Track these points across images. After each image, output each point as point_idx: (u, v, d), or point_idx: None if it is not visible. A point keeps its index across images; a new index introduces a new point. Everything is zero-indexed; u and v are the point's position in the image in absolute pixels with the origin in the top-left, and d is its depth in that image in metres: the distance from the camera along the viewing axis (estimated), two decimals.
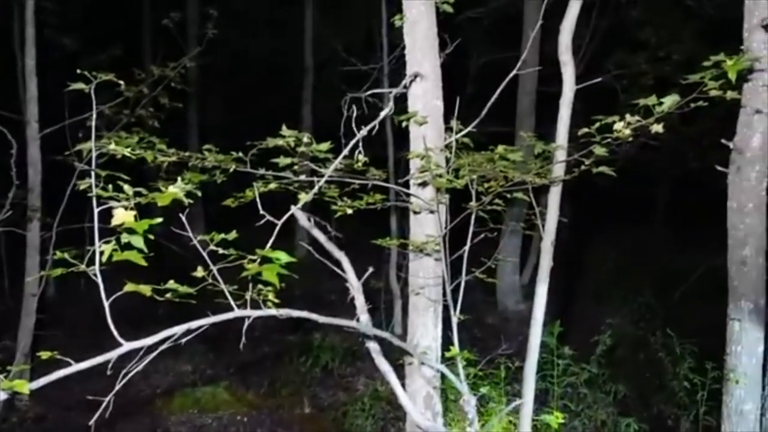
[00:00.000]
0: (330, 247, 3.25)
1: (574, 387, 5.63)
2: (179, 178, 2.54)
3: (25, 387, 1.69)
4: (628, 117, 2.80)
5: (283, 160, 3.17)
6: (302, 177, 3.37)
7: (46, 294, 8.58)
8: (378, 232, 4.10)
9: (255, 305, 2.55)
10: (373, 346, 3.21)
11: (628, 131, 2.81)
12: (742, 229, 3.44)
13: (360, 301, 3.17)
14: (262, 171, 3.34)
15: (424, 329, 3.61)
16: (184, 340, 2.39)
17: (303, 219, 3.21)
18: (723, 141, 3.44)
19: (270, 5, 13.46)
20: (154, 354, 2.36)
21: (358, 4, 11.65)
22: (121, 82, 2.94)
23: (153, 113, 5.80)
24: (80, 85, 2.64)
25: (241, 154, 3.25)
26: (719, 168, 3.51)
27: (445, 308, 3.53)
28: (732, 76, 2.58)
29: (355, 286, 3.20)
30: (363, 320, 3.13)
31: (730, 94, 2.72)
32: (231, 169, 3.32)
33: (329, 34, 11.70)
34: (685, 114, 2.89)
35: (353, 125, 3.23)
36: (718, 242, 3.66)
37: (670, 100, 2.68)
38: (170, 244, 5.12)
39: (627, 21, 9.82)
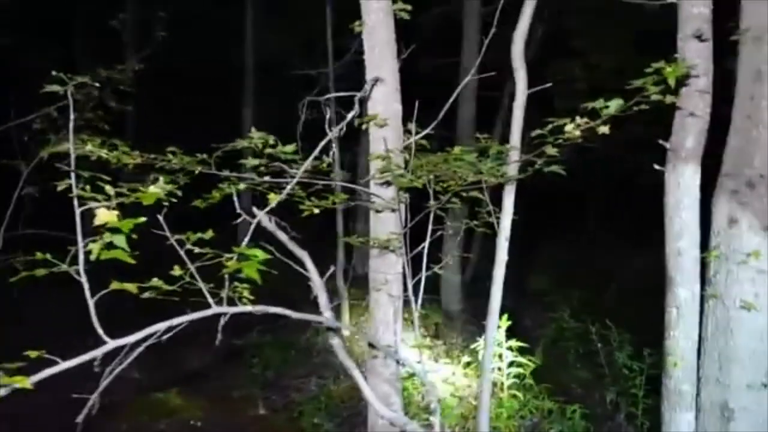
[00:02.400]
0: (292, 246, 3.35)
1: (522, 378, 5.88)
2: (160, 178, 2.59)
3: (26, 382, 1.72)
4: (578, 119, 3.01)
5: (251, 162, 3.25)
6: (266, 178, 3.45)
7: None
8: (325, 234, 4.17)
9: (223, 303, 2.61)
10: (336, 342, 3.32)
11: (577, 132, 3.03)
12: (678, 223, 3.71)
13: (323, 299, 3.28)
14: (226, 173, 3.40)
15: (386, 324, 3.74)
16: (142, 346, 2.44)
17: (266, 221, 3.29)
18: (660, 141, 3.71)
19: (212, 7, 13.36)
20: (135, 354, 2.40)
21: (298, 8, 11.72)
22: (58, 88, 2.93)
23: (102, 116, 5.74)
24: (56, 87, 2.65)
25: (205, 156, 3.30)
26: (657, 167, 3.77)
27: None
28: (671, 81, 2.82)
29: (317, 284, 3.30)
30: (327, 317, 3.24)
31: (669, 99, 2.96)
32: (196, 171, 3.36)
33: (270, 38, 11.73)
34: (616, 119, 3.12)
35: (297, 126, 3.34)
36: (658, 238, 3.90)
37: (615, 104, 2.90)
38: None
39: (562, 30, 10.25)
